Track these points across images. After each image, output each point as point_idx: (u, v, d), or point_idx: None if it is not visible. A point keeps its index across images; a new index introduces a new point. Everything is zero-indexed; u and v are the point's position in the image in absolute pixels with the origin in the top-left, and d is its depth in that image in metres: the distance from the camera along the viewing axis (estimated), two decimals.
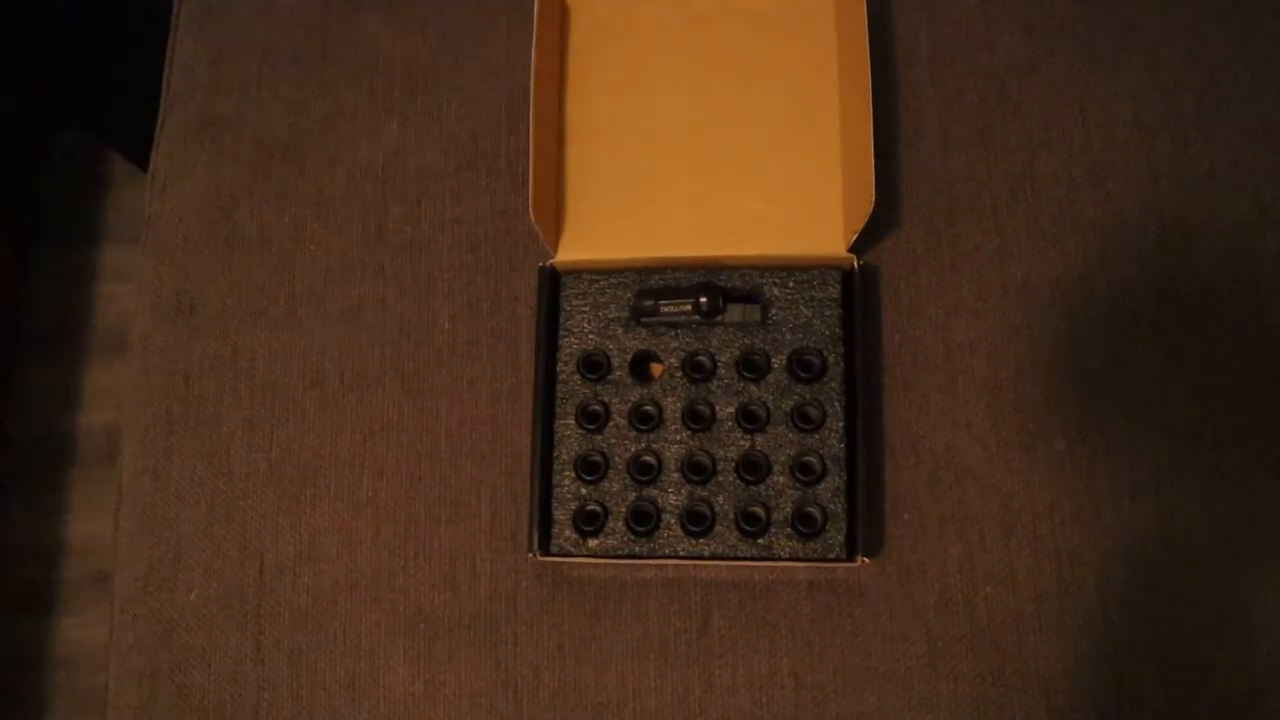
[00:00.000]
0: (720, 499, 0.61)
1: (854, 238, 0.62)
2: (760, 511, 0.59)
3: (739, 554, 0.58)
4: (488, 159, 0.70)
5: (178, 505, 0.66)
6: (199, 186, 0.72)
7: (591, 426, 0.61)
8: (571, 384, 0.65)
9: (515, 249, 0.68)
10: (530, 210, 0.61)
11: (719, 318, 0.61)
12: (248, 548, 0.64)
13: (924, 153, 0.67)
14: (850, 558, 0.57)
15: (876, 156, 0.56)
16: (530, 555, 0.60)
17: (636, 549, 0.58)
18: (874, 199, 0.59)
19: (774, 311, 0.61)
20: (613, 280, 0.63)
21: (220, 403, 0.67)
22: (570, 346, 0.64)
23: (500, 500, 0.63)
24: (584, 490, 0.61)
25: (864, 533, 0.57)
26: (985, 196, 0.66)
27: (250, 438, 0.66)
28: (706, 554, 0.61)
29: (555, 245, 0.66)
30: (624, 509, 0.60)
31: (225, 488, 0.65)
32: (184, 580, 0.64)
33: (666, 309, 0.60)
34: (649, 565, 0.60)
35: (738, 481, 0.59)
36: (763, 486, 0.61)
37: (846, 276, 0.61)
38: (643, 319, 0.61)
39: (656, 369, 0.62)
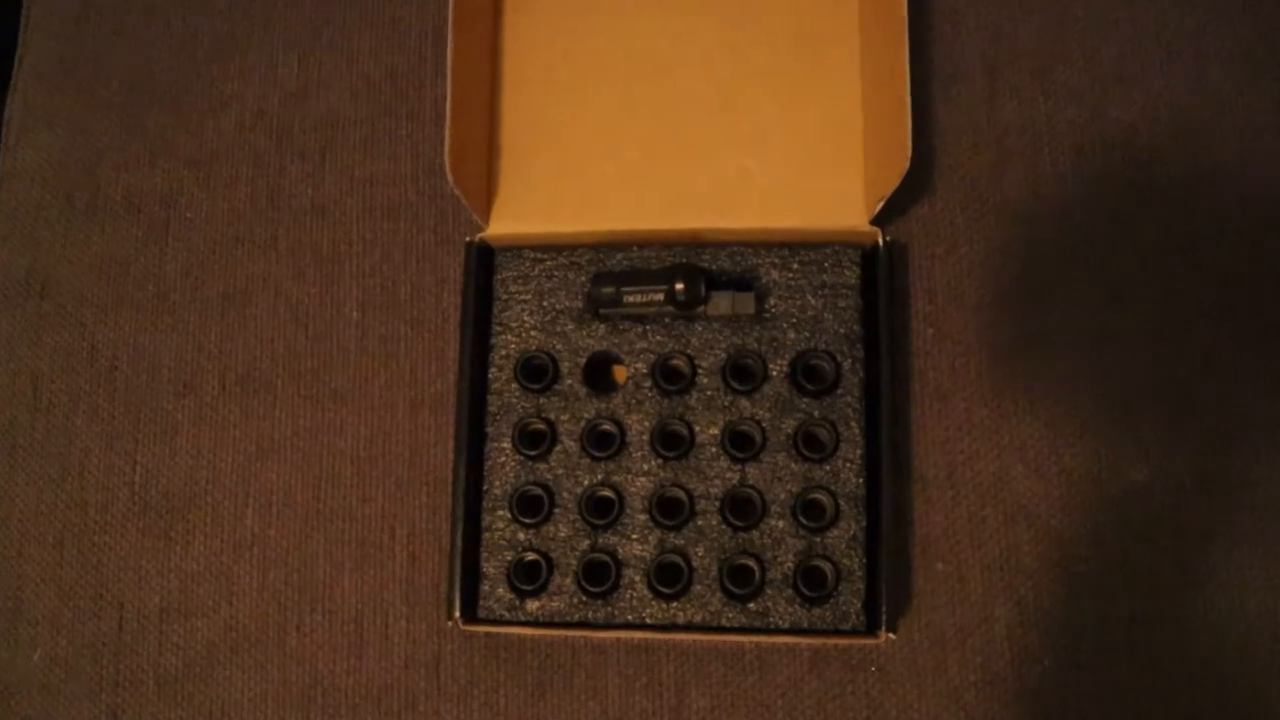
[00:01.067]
0: (700, 549, 0.48)
1: (879, 206, 0.47)
2: (752, 566, 0.47)
3: (723, 624, 0.47)
4: (410, 103, 0.59)
5: (19, 542, 0.55)
6: (59, 140, 0.61)
7: (533, 451, 0.49)
8: (508, 395, 0.50)
9: (444, 219, 0.57)
10: (448, 167, 0.46)
11: (700, 310, 0.49)
12: (104, 597, 0.54)
13: (965, 98, 0.55)
14: (870, 630, 0.44)
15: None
16: (448, 624, 0.49)
17: (590, 614, 0.47)
18: (910, 155, 0.43)
19: (772, 302, 0.50)
20: (562, 260, 0.51)
21: (74, 413, 0.56)
22: (507, 346, 0.50)
23: (421, 540, 0.53)
24: (522, 535, 0.49)
25: (889, 596, 0.46)
26: (1043, 153, 0.55)
27: (109, 458, 0.55)
28: (681, 622, 0.47)
29: (486, 214, 0.51)
30: (574, 561, 0.49)
31: (78, 521, 0.55)
32: (25, 636, 0.54)
33: (632, 298, 0.49)
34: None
35: (723, 526, 0.48)
36: (756, 533, 0.48)
37: (868, 256, 0.49)
38: (601, 310, 0.50)
39: (619, 376, 0.51)
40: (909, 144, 0.44)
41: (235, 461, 0.55)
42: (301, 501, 0.54)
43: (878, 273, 0.49)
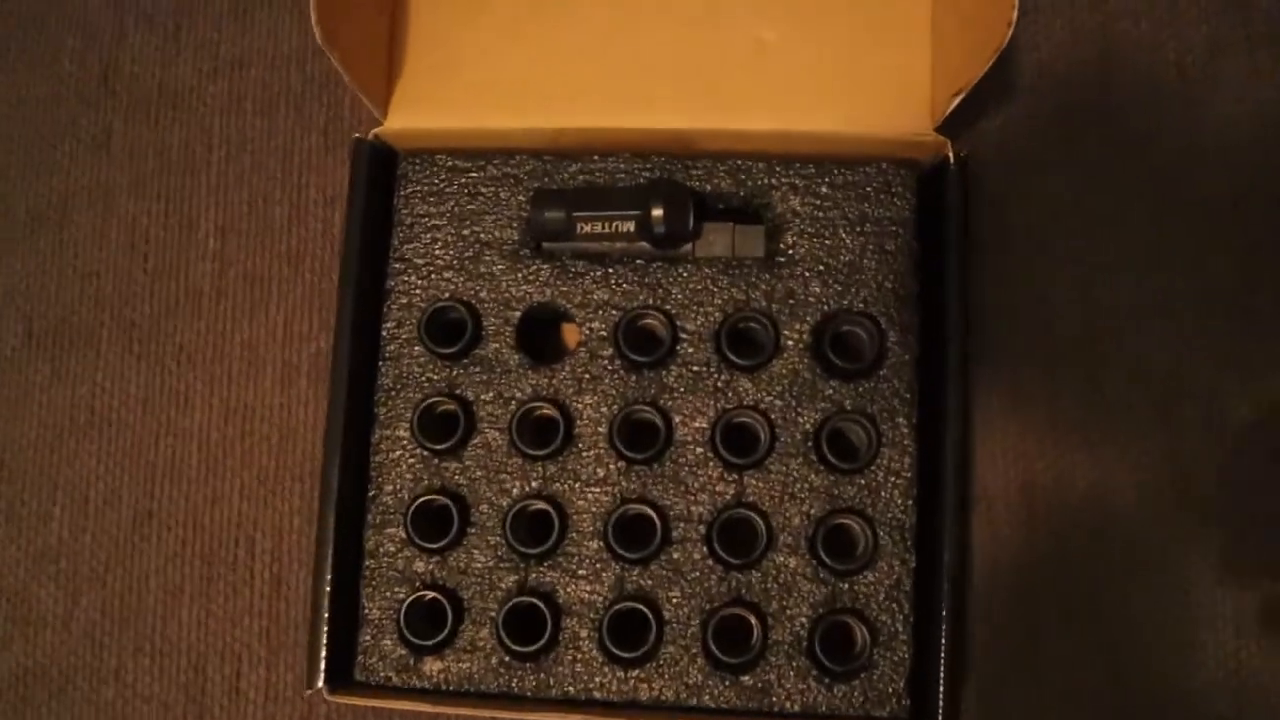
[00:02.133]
0: (675, 594, 0.35)
1: (953, 102, 0.32)
2: (750, 621, 0.35)
3: (706, 703, 0.35)
4: None
5: None
6: None
7: (440, 444, 0.36)
8: (407, 361, 0.36)
9: (338, 115, 0.44)
10: (314, 17, 0.31)
11: (686, 249, 0.37)
12: None
13: None
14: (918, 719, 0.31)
15: None
16: (308, 693, 0.37)
17: (515, 683, 0.35)
18: (1014, 21, 0.28)
19: (790, 240, 0.37)
20: (493, 170, 0.38)
21: None
22: (409, 291, 0.37)
23: (289, 559, 0.41)
24: (421, 565, 0.36)
25: (947, 669, 0.33)
26: (1168, 51, 0.41)
27: None
28: (646, 699, 0.35)
29: (384, 101, 0.36)
30: (494, 605, 0.36)
31: None
32: None
33: (589, 228, 0.37)
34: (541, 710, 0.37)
35: (709, 562, 0.35)
36: (756, 573, 0.35)
37: (929, 178, 0.38)
38: (545, 245, 0.38)
39: (568, 339, 0.39)
40: (1013, 6, 0.29)
41: (40, 439, 0.43)
42: (128, 499, 0.42)
43: (945, 202, 0.36)
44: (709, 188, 0.37)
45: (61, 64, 0.44)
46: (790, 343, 0.36)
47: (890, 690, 0.34)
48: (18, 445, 0.42)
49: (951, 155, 0.35)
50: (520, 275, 0.37)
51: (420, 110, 0.37)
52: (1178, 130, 0.40)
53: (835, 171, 0.37)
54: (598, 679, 0.34)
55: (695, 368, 0.36)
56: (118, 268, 0.43)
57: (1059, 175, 0.40)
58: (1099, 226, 0.40)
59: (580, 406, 0.36)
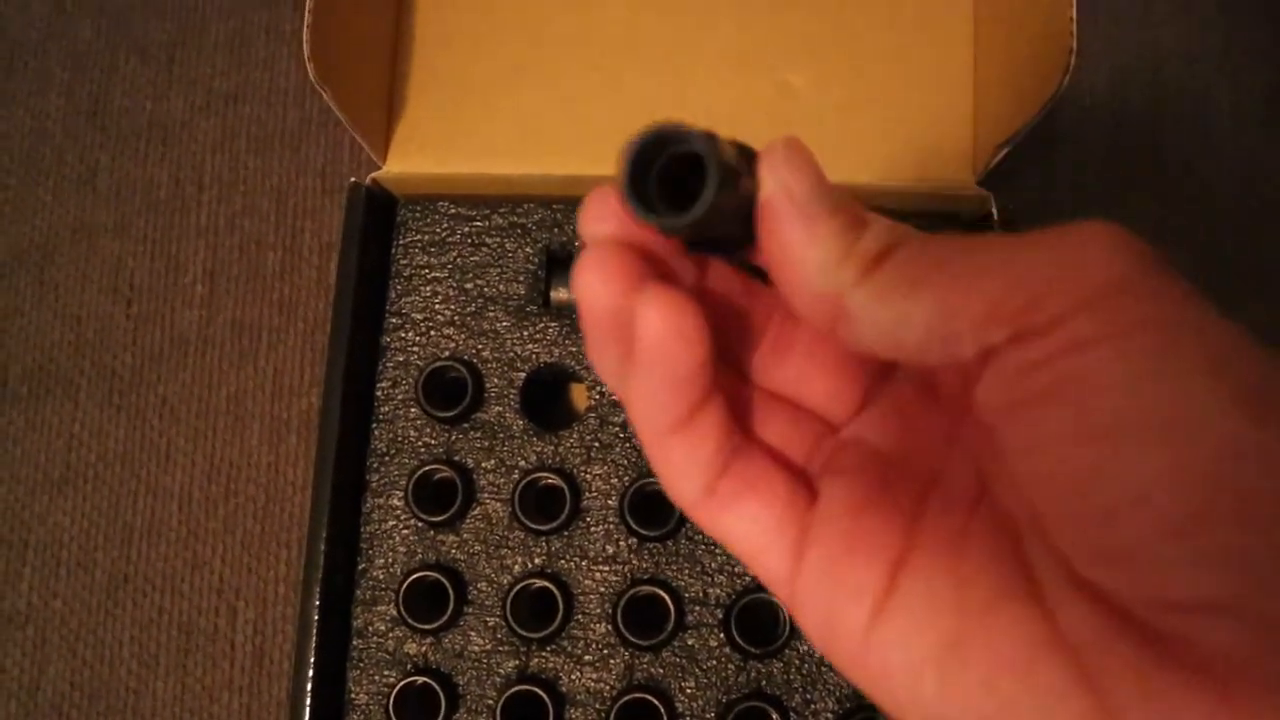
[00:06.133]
0: (689, 684, 0.31)
1: (998, 155, 0.30)
2: (771, 715, 0.31)
3: None
4: None
5: None
6: None
7: (437, 515, 0.33)
8: (402, 425, 0.33)
9: (336, 156, 0.41)
10: (306, 50, 0.28)
11: None
12: None
13: (1106, 10, 0.39)
14: None
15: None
16: None
17: None
18: (1074, 51, 0.26)
19: None
20: (499, 220, 0.35)
21: None
22: (406, 349, 0.34)
23: (274, 630, 0.37)
24: (413, 646, 0.33)
25: None
26: (1221, 89, 0.38)
27: None
28: None
29: (383, 143, 0.33)
30: (491, 692, 0.32)
31: None
32: None
33: None
34: None
35: (726, 649, 0.32)
36: (778, 662, 0.32)
37: (971, 231, 0.30)
38: (554, 300, 0.35)
39: (577, 401, 0.36)
40: (1073, 33, 0.26)
41: (10, 495, 0.39)
42: (103, 561, 0.38)
43: None
44: None
45: (50, 96, 0.41)
46: None
47: None
48: None
49: (995, 210, 0.32)
50: (526, 333, 0.34)
51: (422, 154, 0.34)
52: (1232, 182, 0.38)
53: None
54: None
55: None
56: (99, 312, 0.39)
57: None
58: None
59: (589, 477, 0.33)
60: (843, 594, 0.16)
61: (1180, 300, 0.14)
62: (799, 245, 0.16)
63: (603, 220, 0.17)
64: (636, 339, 0.15)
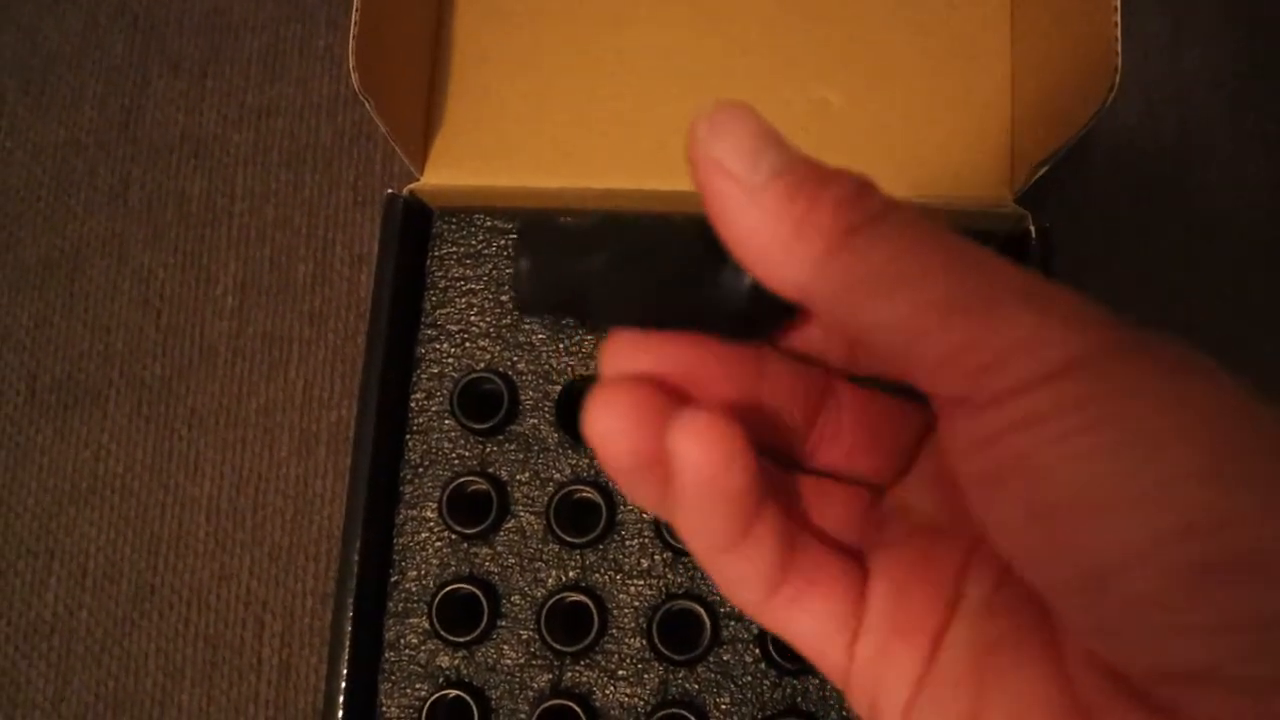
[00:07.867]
0: (724, 699, 0.31)
1: (1036, 173, 0.30)
2: None
3: None
4: (330, 4, 0.43)
5: None
6: None
7: (471, 527, 0.32)
8: (437, 436, 0.33)
9: (368, 170, 0.41)
10: (351, 62, 0.29)
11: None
12: None
13: (1138, 31, 0.39)
14: None
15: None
16: None
17: None
18: (1119, 69, 0.26)
19: None
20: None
21: None
22: (441, 360, 0.34)
23: (301, 642, 0.37)
24: (446, 659, 0.32)
25: None
26: (1246, 117, 0.38)
27: None
28: None
29: (421, 154, 0.33)
30: (524, 706, 0.32)
31: None
32: None
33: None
34: None
35: (761, 665, 0.32)
36: (814, 679, 0.31)
37: (1004, 250, 0.30)
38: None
39: None
40: (1117, 52, 0.26)
41: (38, 504, 0.39)
42: (130, 572, 0.38)
43: None
44: None
45: (84, 109, 0.42)
46: None
47: None
48: (14, 510, 0.38)
49: (1033, 228, 0.32)
50: (562, 346, 0.34)
51: (459, 166, 0.34)
52: (1258, 211, 0.38)
53: None
54: None
55: None
56: (129, 323, 0.39)
57: (1133, 255, 0.37)
58: (1177, 307, 0.37)
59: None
60: (890, 678, 0.15)
61: (1154, 370, 0.13)
62: (744, 225, 0.14)
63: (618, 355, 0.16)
64: (675, 474, 0.14)
